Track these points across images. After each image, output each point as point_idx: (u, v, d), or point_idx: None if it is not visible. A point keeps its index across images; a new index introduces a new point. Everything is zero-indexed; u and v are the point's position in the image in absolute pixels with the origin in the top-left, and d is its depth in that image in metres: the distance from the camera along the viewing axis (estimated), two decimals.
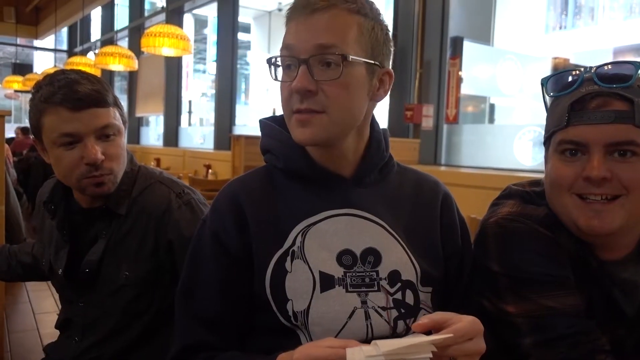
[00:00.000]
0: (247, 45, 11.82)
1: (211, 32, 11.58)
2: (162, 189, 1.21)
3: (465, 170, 3.74)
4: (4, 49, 14.18)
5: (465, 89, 4.48)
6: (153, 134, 9.61)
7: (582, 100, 0.87)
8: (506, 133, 3.89)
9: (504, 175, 3.16)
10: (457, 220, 0.98)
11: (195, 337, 0.86)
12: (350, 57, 0.83)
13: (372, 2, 0.90)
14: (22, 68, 11.83)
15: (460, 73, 4.08)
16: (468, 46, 4.29)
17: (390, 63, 0.93)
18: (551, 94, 0.94)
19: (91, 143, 1.10)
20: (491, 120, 6.13)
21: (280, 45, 0.88)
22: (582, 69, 0.90)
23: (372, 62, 0.87)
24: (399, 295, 0.86)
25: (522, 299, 0.90)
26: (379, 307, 0.85)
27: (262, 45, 11.51)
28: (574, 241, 0.93)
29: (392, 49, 0.93)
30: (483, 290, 0.96)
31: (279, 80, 0.88)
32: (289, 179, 0.91)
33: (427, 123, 4.07)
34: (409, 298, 0.87)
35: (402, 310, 0.86)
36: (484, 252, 0.95)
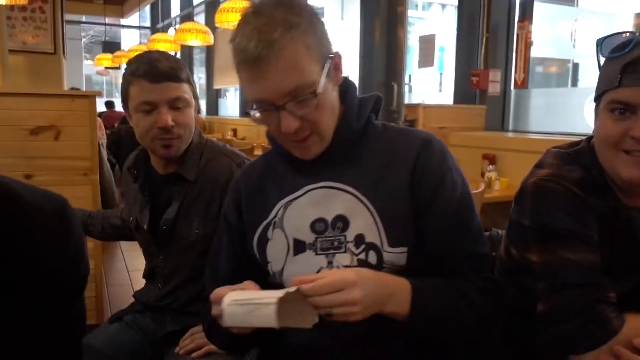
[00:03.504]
0: (321, 12, 11.86)
1: None
2: (225, 160, 1.42)
3: (533, 136, 3.68)
4: (94, 28, 15.14)
5: (544, 51, 4.34)
6: (231, 104, 9.98)
7: (634, 62, 0.92)
8: (577, 96, 3.76)
9: (572, 140, 3.08)
10: (433, 172, 0.97)
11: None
12: (319, 88, 0.88)
13: (298, 5, 0.91)
14: (111, 46, 12.57)
15: (530, 36, 3.96)
16: (544, 7, 4.14)
17: (330, 42, 0.95)
18: (606, 54, 0.99)
19: (164, 111, 1.32)
20: (574, 82, 5.87)
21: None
22: (638, 32, 0.94)
23: (326, 62, 0.92)
24: (362, 256, 0.95)
25: (545, 250, 0.99)
26: (343, 265, 0.95)
27: (335, 12, 11.50)
28: (608, 198, 1.01)
29: (327, 29, 0.95)
30: (513, 241, 1.07)
31: (262, 123, 0.95)
32: (281, 161, 1.04)
33: (494, 88, 4.01)
34: (372, 258, 0.95)
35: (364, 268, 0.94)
36: (520, 209, 1.04)
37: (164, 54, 1.37)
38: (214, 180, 1.38)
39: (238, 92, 8.49)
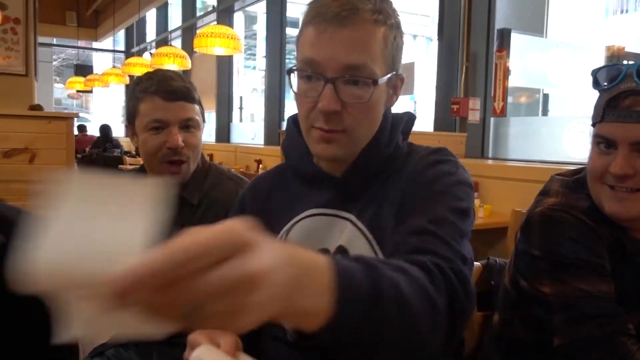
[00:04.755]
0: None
1: (261, 28, 11.80)
2: (231, 184, 1.38)
3: (512, 163, 3.72)
4: (66, 51, 14.94)
5: (517, 81, 4.42)
6: (206, 130, 9.91)
7: (617, 97, 0.92)
8: (555, 125, 3.83)
9: (551, 168, 3.13)
10: (419, 175, 0.87)
11: None
12: (379, 80, 0.82)
13: (394, 7, 0.87)
14: (83, 69, 12.42)
15: (508, 65, 4.04)
16: (516, 38, 4.24)
17: (400, 62, 0.91)
18: (596, 87, 0.99)
19: (175, 131, 1.28)
20: (545, 111, 5.99)
21: None
22: (625, 64, 0.93)
23: (393, 73, 0.87)
24: None
25: (557, 281, 0.96)
26: None
27: None
28: (614, 229, 0.99)
29: (403, 47, 0.91)
30: (523, 272, 1.03)
31: (299, 94, 0.85)
32: (293, 176, 0.98)
33: (474, 116, 4.05)
34: None
35: None
36: (528, 239, 1.02)
37: (176, 73, 1.34)
38: (219, 204, 1.33)
39: (214, 117, 8.42)
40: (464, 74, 4.09)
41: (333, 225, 0.91)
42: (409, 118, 0.99)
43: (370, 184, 0.92)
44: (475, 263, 1.24)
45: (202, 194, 1.35)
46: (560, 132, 3.64)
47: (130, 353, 1.37)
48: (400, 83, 0.92)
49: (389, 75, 0.86)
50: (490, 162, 3.98)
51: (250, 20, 12.22)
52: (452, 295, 0.65)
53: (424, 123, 4.89)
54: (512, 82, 4.22)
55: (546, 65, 4.64)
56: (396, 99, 0.93)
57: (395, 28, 0.85)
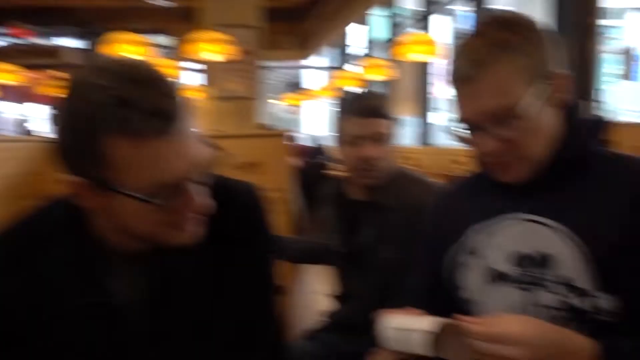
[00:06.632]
0: None
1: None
2: (421, 187, 1.53)
3: None
4: (282, 71, 16.62)
5: None
6: (409, 134, 10.10)
7: None
8: None
9: None
10: None
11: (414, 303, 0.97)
12: (523, 110, 0.84)
13: (521, 22, 0.88)
14: (294, 86, 13.75)
15: None
16: None
17: (556, 61, 0.89)
18: None
19: (368, 144, 1.47)
20: None
21: None
22: None
23: (541, 84, 0.86)
24: (569, 299, 0.86)
25: None
26: (546, 306, 0.87)
27: None
28: None
29: (552, 47, 0.89)
30: None
31: (466, 142, 0.93)
32: (485, 183, 1.00)
33: None
34: (579, 302, 0.85)
35: (570, 314, 0.86)
36: None
37: (372, 93, 1.65)
38: (410, 206, 1.47)
39: (416, 122, 8.55)
40: None
41: (534, 231, 0.90)
42: (598, 122, 0.98)
43: (572, 185, 0.91)
44: None
45: (395, 197, 1.51)
46: None
47: (335, 338, 1.57)
48: (564, 80, 0.89)
49: (538, 91, 0.86)
50: None
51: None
52: None
53: None
54: None
55: None
56: (567, 96, 0.91)
57: (520, 45, 0.85)
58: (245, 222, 0.89)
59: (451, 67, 0.91)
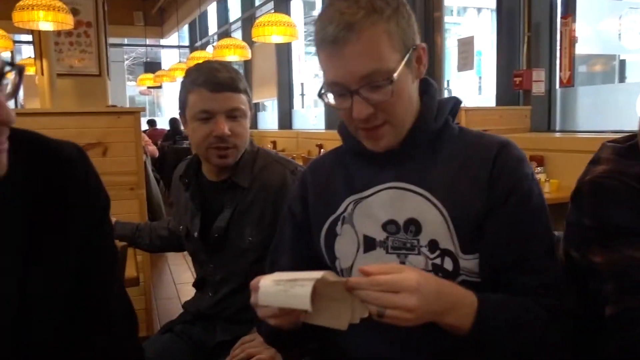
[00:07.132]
0: None
1: None
2: (278, 167, 1.43)
3: (583, 135, 3.56)
4: (136, 50, 15.64)
5: (585, 48, 4.20)
6: (270, 117, 10.11)
7: None
8: (628, 93, 3.61)
9: (627, 134, 2.96)
10: (510, 173, 0.92)
11: None
12: (395, 74, 0.86)
13: None
14: (152, 66, 12.94)
15: (574, 32, 3.84)
16: (584, 1, 4.01)
17: (417, 34, 0.93)
18: None
19: (221, 120, 1.33)
20: (622, 79, 5.66)
21: None
22: None
23: (408, 54, 0.89)
24: (437, 261, 0.91)
25: (608, 250, 0.93)
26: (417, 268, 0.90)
27: None
28: None
29: (414, 20, 0.92)
30: (573, 242, 1.00)
31: (335, 107, 0.92)
32: (352, 157, 1.02)
33: (538, 88, 3.89)
34: (448, 264, 0.91)
35: (440, 274, 0.90)
36: (578, 208, 0.99)
37: (223, 64, 1.39)
38: (268, 187, 1.38)
39: (276, 105, 8.57)
40: (526, 45, 3.93)
41: (400, 197, 0.94)
42: (456, 101, 1.02)
43: (433, 155, 0.96)
44: None
45: (252, 177, 1.41)
46: (635, 100, 3.44)
47: (197, 329, 1.46)
48: (422, 52, 0.93)
49: (405, 59, 0.88)
50: (557, 135, 3.82)
51: (309, 6, 12.26)
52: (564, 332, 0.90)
53: (488, 99, 4.76)
54: (581, 49, 4.00)
55: (620, 29, 4.36)
56: (424, 68, 0.95)
57: (393, 15, 0.87)
58: (72, 177, 0.85)
59: (319, 29, 0.88)
